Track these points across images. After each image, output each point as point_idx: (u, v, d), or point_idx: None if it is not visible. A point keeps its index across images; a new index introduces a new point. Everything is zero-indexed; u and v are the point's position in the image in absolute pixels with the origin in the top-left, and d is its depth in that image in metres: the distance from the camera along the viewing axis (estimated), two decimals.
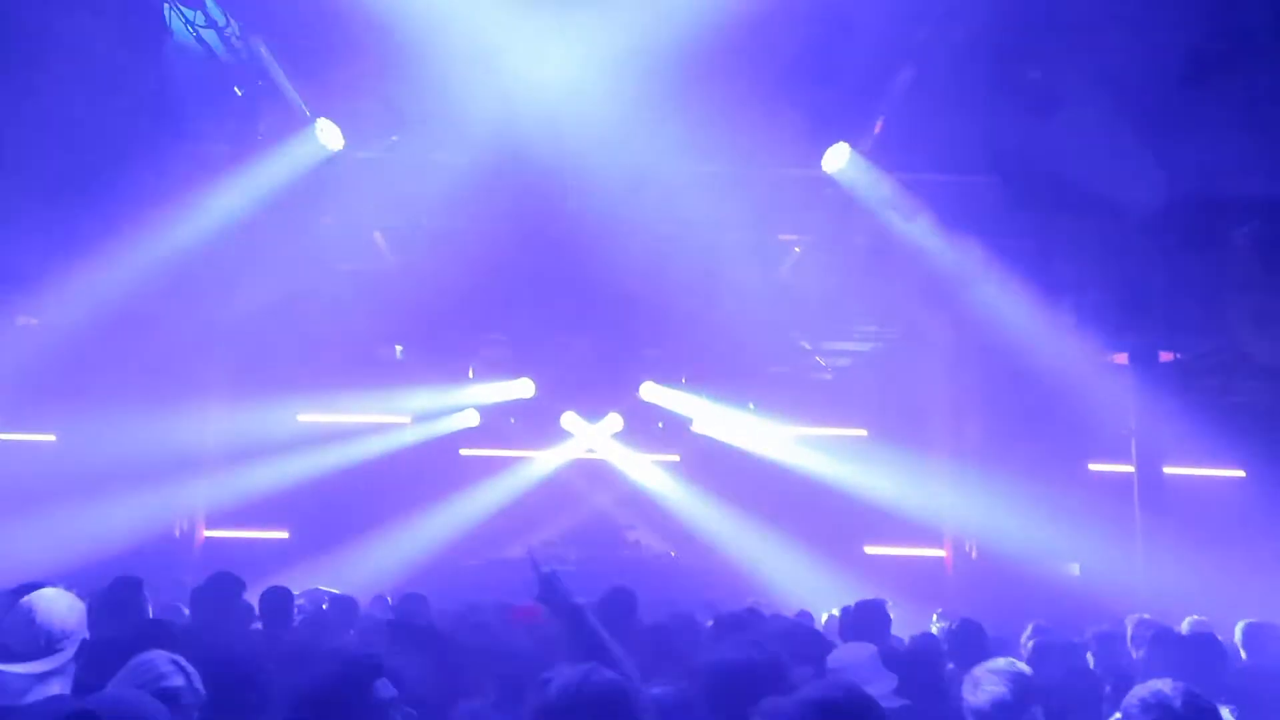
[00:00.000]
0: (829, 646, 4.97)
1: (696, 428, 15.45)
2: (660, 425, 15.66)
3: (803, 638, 5.04)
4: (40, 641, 3.20)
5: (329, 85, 8.60)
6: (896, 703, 4.38)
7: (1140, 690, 2.76)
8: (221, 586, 6.52)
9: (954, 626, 8.51)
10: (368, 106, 8.64)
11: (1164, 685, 2.73)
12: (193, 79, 8.17)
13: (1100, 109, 7.43)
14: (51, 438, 12.38)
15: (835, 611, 8.88)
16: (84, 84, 7.59)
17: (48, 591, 3.35)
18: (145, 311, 10.11)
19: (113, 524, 10.39)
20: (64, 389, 10.70)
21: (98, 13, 7.29)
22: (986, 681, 3.43)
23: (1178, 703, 2.65)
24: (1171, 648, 5.00)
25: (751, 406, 15.29)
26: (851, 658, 4.64)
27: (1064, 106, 7.49)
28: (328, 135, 9.26)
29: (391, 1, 7.55)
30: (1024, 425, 12.44)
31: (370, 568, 12.23)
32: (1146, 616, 7.89)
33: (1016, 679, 3.44)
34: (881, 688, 4.25)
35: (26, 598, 3.29)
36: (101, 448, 10.84)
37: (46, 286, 9.46)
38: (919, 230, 10.06)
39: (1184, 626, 7.38)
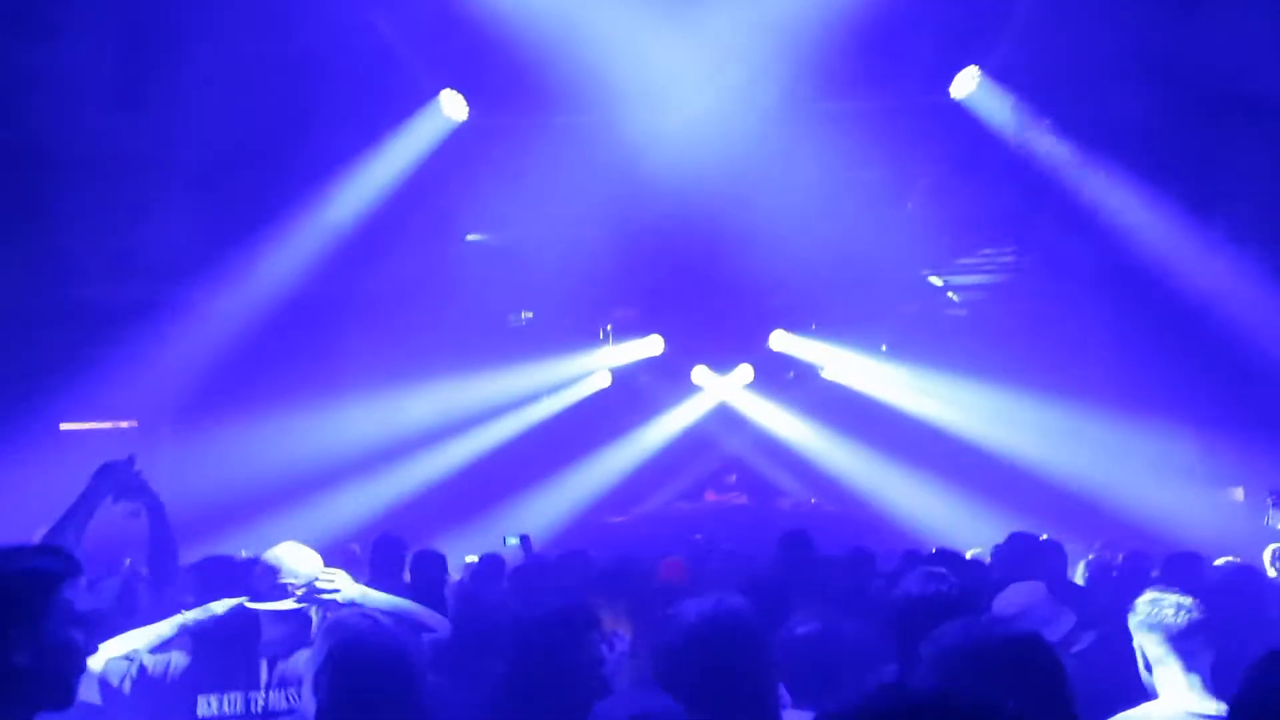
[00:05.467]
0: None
1: (826, 374, 15.28)
2: (791, 374, 15.53)
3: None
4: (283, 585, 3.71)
5: (452, 55, 8.68)
6: (1085, 641, 4.20)
7: None
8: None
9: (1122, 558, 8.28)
10: (496, 75, 8.68)
11: None
12: (325, 60, 8.34)
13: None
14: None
15: (979, 549, 8.69)
16: (226, 75, 7.85)
17: (284, 545, 3.84)
18: (292, 294, 10.47)
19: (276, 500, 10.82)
20: (223, 374, 11.13)
21: (235, 4, 7.51)
22: (1168, 594, 3.34)
23: None
24: None
25: (884, 348, 15.03)
26: (1023, 599, 4.42)
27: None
28: (452, 106, 9.37)
29: None
30: (1176, 348, 11.92)
31: (519, 528, 12.49)
32: None
33: (1195, 603, 3.33)
34: (1062, 627, 4.08)
35: (269, 551, 3.80)
36: (259, 429, 11.29)
37: (201, 275, 9.85)
38: (1055, 150, 9.70)
39: None
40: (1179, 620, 3.28)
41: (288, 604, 3.65)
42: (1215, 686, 3.28)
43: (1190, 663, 3.26)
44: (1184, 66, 7.88)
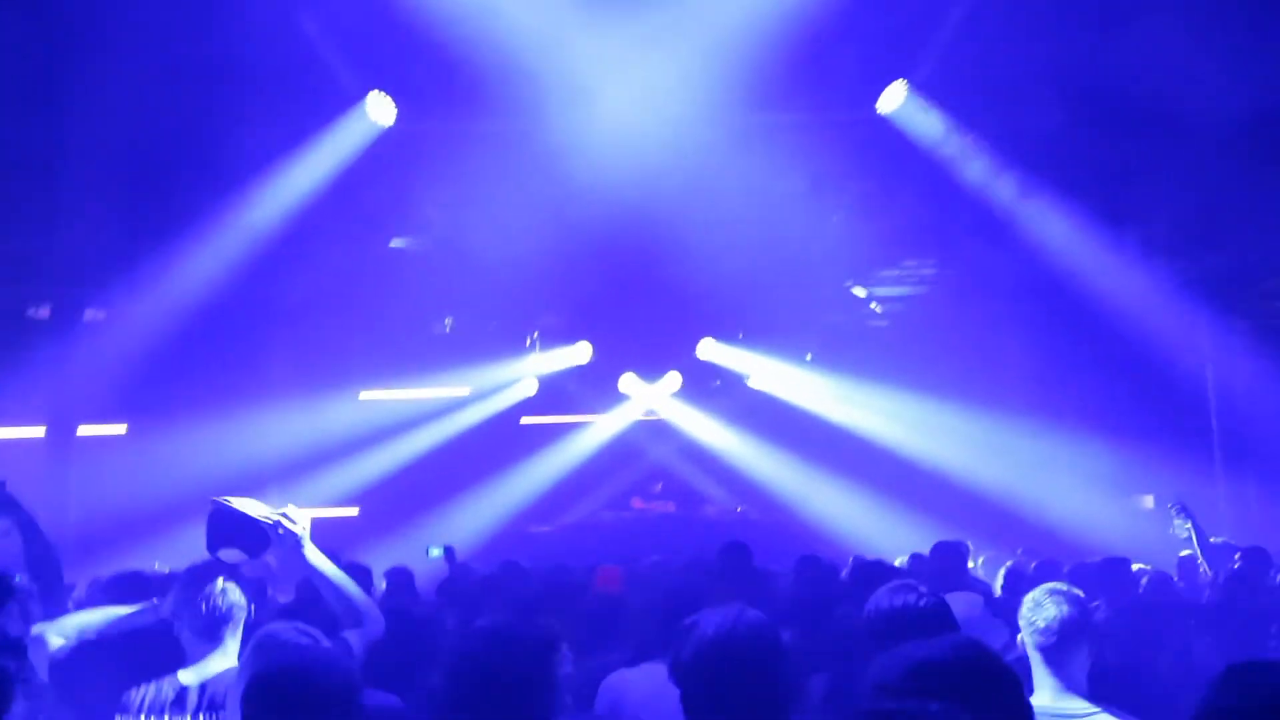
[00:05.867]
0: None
1: (753, 383, 15.40)
2: (718, 383, 15.62)
3: None
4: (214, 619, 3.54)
5: (380, 58, 8.55)
6: (1014, 653, 4.26)
7: None
8: None
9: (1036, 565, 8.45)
10: (426, 79, 8.57)
11: None
12: (242, 62, 8.14)
13: (1169, 18, 7.19)
14: (123, 430, 12.54)
15: (903, 559, 8.81)
16: (144, 75, 7.62)
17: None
18: (210, 300, 10.20)
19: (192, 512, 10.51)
20: (136, 381, 10.80)
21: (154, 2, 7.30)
22: (1049, 601, 3.40)
23: None
24: None
25: (809, 358, 15.20)
26: (962, 611, 4.43)
27: (1130, 19, 7.27)
28: (379, 110, 9.23)
29: None
30: (1091, 358, 12.27)
31: (441, 540, 12.33)
32: None
33: (1075, 598, 3.42)
34: (996, 640, 4.12)
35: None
36: (174, 437, 10.98)
37: (114, 280, 9.55)
38: (977, 164, 9.92)
39: None
40: (1051, 623, 3.34)
41: (258, 513, 3.60)
42: (1094, 689, 3.37)
43: (1059, 664, 3.33)
44: (1099, 87, 8.14)
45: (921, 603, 3.19)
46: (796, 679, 3.76)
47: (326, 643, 3.21)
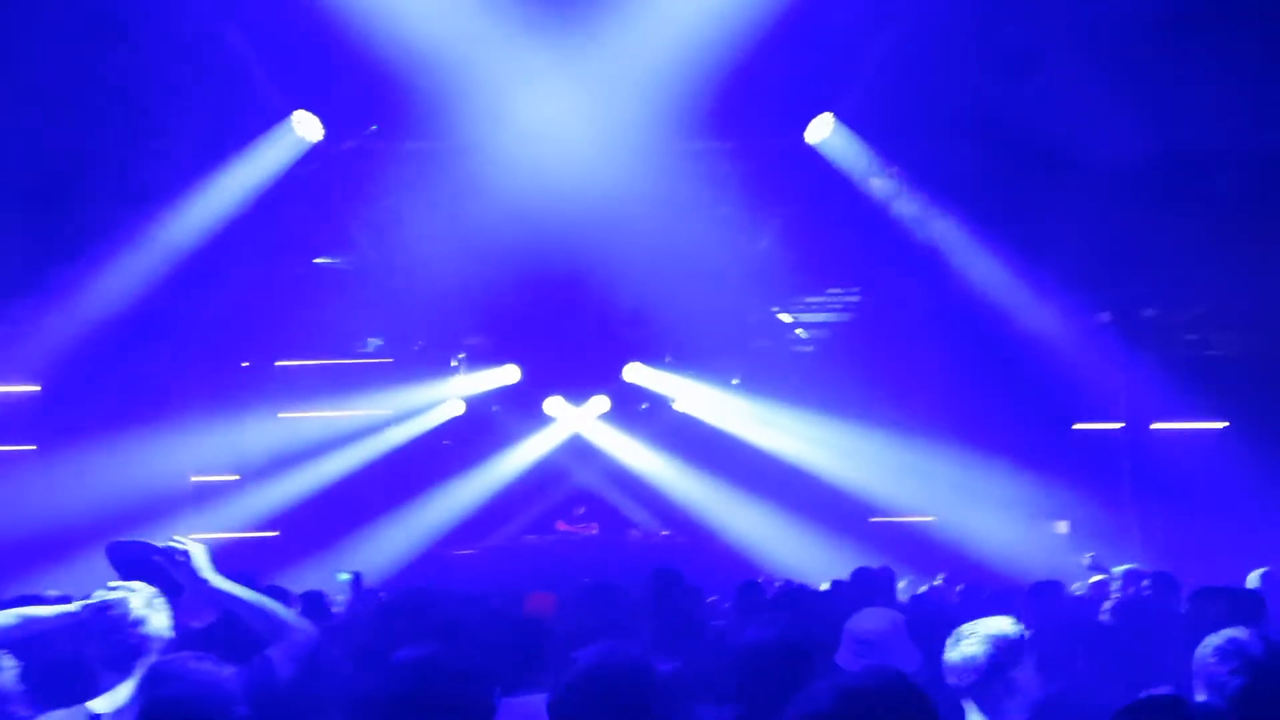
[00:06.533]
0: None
1: (678, 406, 15.44)
2: (644, 406, 15.64)
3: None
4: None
5: (307, 76, 8.45)
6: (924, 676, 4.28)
7: (1215, 639, 2.79)
8: None
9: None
10: (347, 97, 8.50)
11: (1239, 633, 2.75)
12: (164, 75, 7.99)
13: (1080, 65, 7.47)
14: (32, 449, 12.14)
15: (827, 584, 8.90)
16: (52, 86, 7.44)
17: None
18: (125, 316, 9.95)
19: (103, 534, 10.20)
20: (45, 399, 10.48)
21: (62, 12, 7.12)
22: (967, 645, 3.33)
23: (1257, 649, 2.67)
24: (1212, 600, 4.96)
25: (736, 382, 15.30)
26: (881, 626, 4.39)
27: (1044, 65, 7.54)
28: (305, 127, 9.13)
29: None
30: (1008, 388, 12.55)
31: (363, 562, 12.14)
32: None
33: (998, 641, 3.32)
34: (908, 664, 4.06)
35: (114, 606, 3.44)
36: (86, 459, 10.65)
37: (24, 294, 9.28)
38: (899, 196, 10.14)
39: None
40: (968, 670, 3.29)
41: (157, 541, 3.53)
42: (1044, 714, 3.36)
43: (984, 702, 3.27)
44: (1016, 127, 8.40)
45: (784, 637, 3.23)
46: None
47: (224, 672, 3.12)
